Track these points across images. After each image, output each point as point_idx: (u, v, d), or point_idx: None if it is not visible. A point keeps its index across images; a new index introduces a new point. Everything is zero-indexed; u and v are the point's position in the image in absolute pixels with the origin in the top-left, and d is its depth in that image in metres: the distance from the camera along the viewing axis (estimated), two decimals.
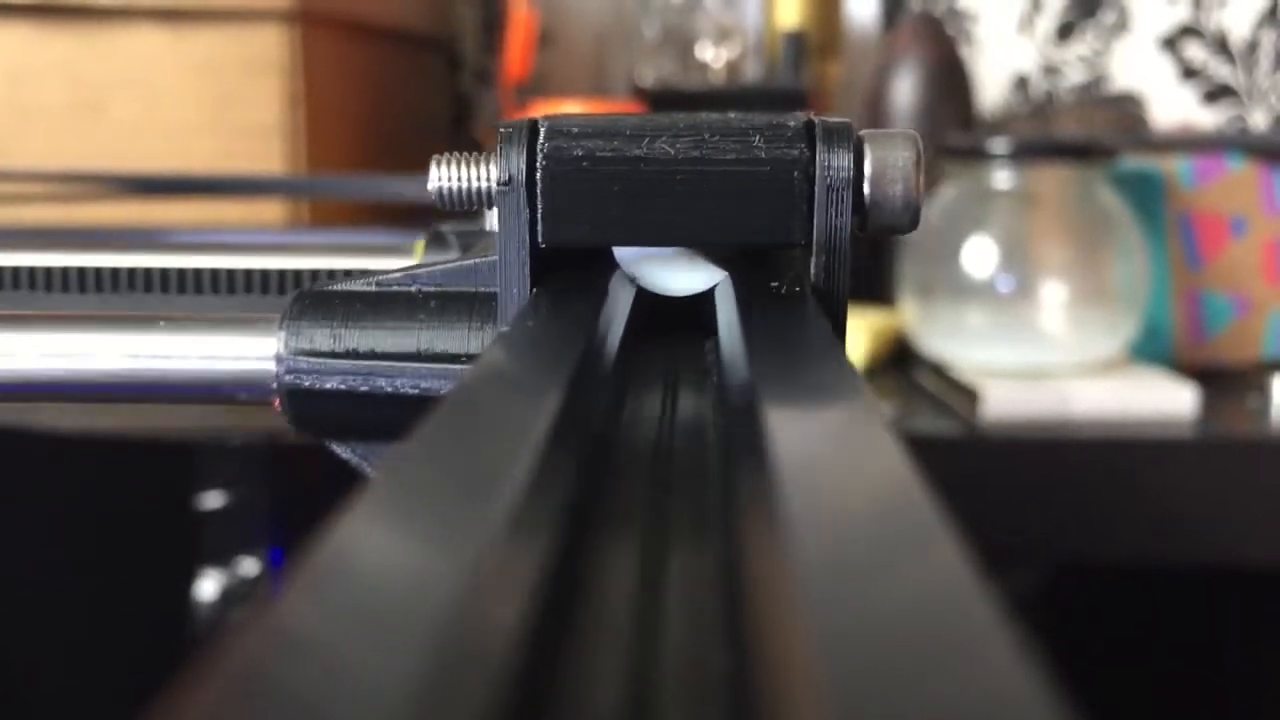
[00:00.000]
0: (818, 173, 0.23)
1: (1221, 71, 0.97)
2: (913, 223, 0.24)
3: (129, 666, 0.69)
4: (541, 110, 0.75)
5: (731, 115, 0.24)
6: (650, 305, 0.25)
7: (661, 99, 0.76)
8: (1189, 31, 0.97)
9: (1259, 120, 0.97)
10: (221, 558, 0.64)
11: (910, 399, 0.63)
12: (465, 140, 1.00)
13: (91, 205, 0.61)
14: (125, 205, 0.63)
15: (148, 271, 0.35)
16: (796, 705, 0.09)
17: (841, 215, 0.23)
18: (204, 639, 0.64)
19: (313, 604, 0.10)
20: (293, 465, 0.65)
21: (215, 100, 0.67)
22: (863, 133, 0.23)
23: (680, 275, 0.25)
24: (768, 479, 0.12)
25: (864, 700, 0.08)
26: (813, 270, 0.23)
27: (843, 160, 0.23)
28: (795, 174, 0.23)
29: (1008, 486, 0.55)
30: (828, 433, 0.15)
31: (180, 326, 0.26)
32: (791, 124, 0.23)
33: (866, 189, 0.23)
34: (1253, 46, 0.96)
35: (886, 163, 0.23)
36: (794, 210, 0.23)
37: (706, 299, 0.24)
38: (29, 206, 0.62)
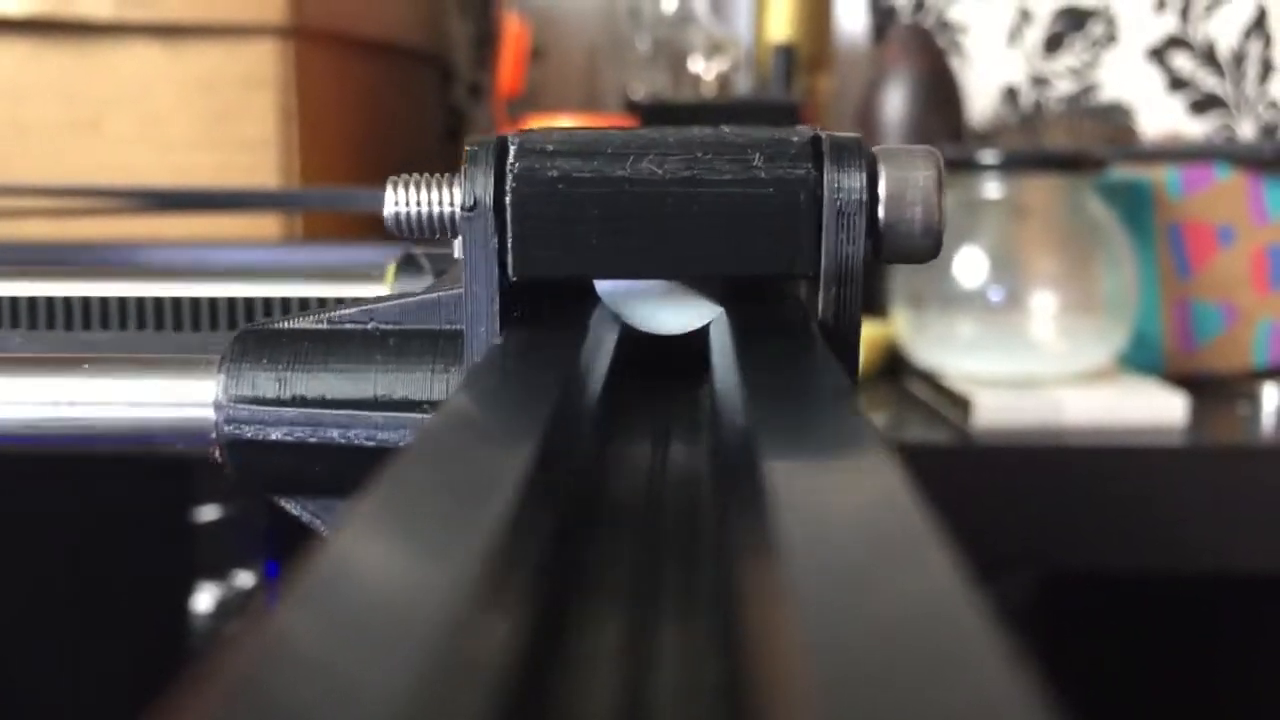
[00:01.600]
0: (826, 194, 0.20)
1: (1209, 82, 0.97)
2: (934, 250, 0.21)
3: (125, 678, 0.69)
4: (534, 124, 0.75)
5: (727, 130, 0.21)
6: (637, 345, 0.22)
7: (654, 112, 0.76)
8: (1177, 42, 0.97)
9: (1246, 130, 0.97)
10: (217, 570, 0.65)
11: (902, 408, 0.63)
12: (458, 154, 1.00)
13: (88, 220, 0.61)
14: (122, 220, 0.63)
15: (68, 302, 0.31)
16: (789, 712, 0.09)
17: (853, 242, 0.21)
18: (200, 651, 0.64)
19: (310, 617, 0.10)
20: None
21: (211, 115, 0.67)
22: (877, 149, 0.21)
23: (670, 311, 0.22)
24: (769, 548, 0.11)
25: (854, 709, 0.08)
26: (820, 305, 0.21)
27: (854, 180, 0.20)
28: (801, 196, 0.20)
29: (999, 494, 0.56)
30: (835, 494, 0.13)
31: (107, 369, 0.23)
32: (795, 139, 0.21)
33: (881, 212, 0.21)
34: (1240, 57, 0.97)
35: (905, 183, 0.21)
36: (800, 237, 0.20)
37: (700, 338, 0.22)
38: (26, 222, 0.62)
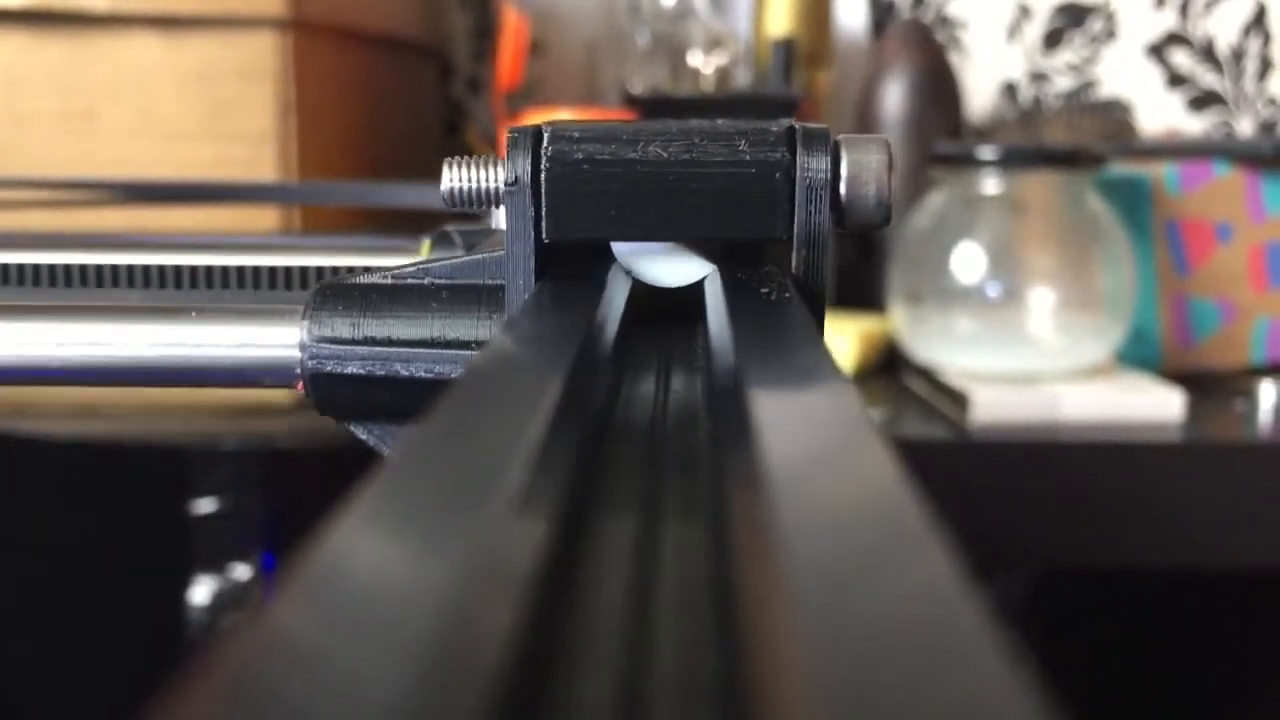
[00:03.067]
0: (798, 174, 0.25)
1: (1208, 79, 0.97)
2: (885, 219, 0.26)
3: (122, 672, 0.69)
4: (534, 118, 0.75)
5: (720, 122, 0.25)
6: (645, 295, 0.27)
7: (652, 106, 0.76)
8: (1176, 39, 0.97)
9: (1245, 127, 0.97)
10: (214, 563, 0.65)
11: (900, 403, 0.63)
12: (457, 147, 1.00)
13: (85, 212, 0.61)
14: (119, 212, 0.63)
15: (177, 269, 0.38)
16: (785, 708, 0.09)
17: (820, 213, 0.25)
18: (197, 644, 0.64)
19: (308, 610, 0.10)
20: (286, 470, 0.65)
21: (208, 107, 0.67)
22: (839, 138, 0.25)
23: (673, 268, 0.27)
24: (754, 463, 0.13)
25: (850, 704, 0.08)
26: (794, 263, 0.25)
27: (820, 163, 0.25)
28: (777, 175, 0.25)
29: (996, 490, 0.56)
30: (809, 416, 0.15)
31: (212, 317, 0.27)
32: (774, 130, 0.25)
33: (842, 189, 0.25)
34: (1239, 54, 0.97)
35: (860, 165, 0.25)
36: (777, 208, 0.25)
37: (697, 289, 0.26)
38: (23, 213, 0.62)
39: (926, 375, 0.64)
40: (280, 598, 0.10)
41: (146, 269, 0.38)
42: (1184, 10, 0.97)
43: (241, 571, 0.64)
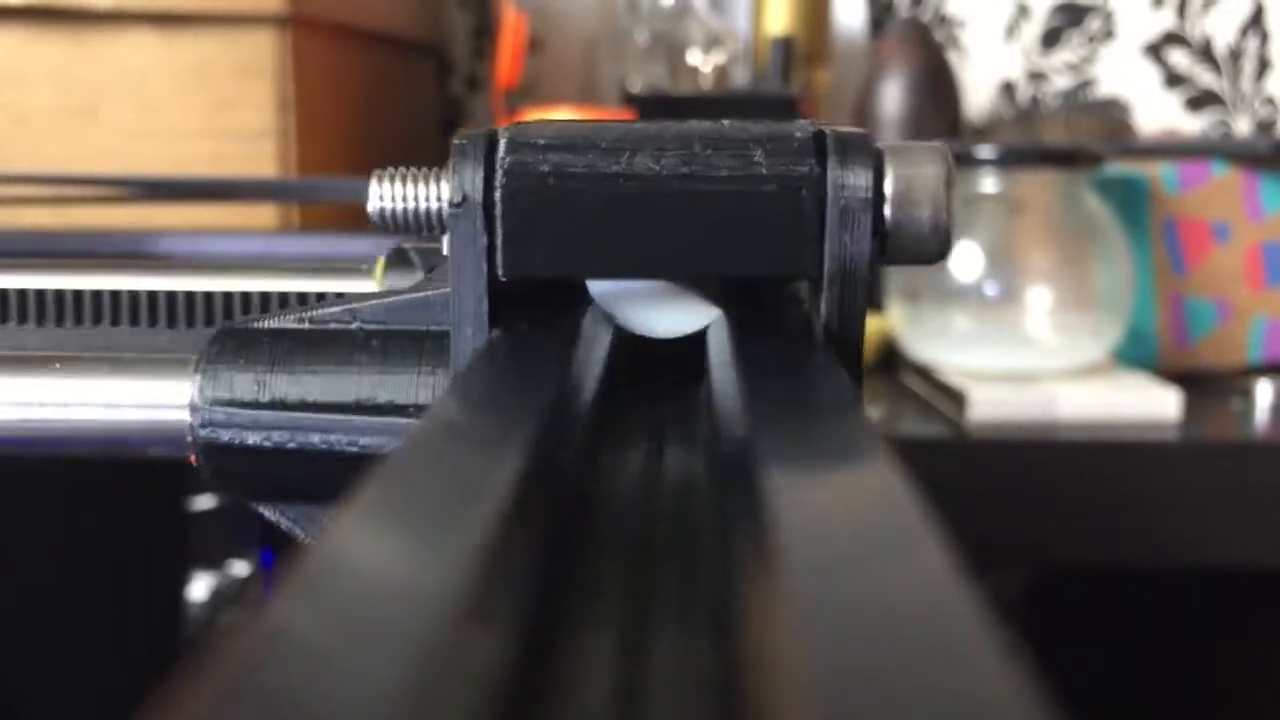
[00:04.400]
0: (830, 192, 0.19)
1: (1205, 78, 0.97)
2: (942, 251, 0.20)
3: (120, 668, 0.69)
4: (532, 116, 0.75)
5: (726, 124, 0.20)
6: (631, 349, 0.21)
7: (651, 105, 0.76)
8: (1174, 39, 0.97)
9: (1243, 127, 0.98)
10: (213, 559, 0.65)
11: (897, 402, 0.63)
12: None
13: (83, 209, 0.61)
14: (117, 209, 0.63)
15: (41, 295, 0.29)
16: None
17: (858, 242, 0.20)
18: (195, 640, 0.64)
19: (308, 607, 0.10)
20: None
21: (207, 104, 0.67)
22: (883, 145, 0.20)
23: (666, 314, 0.21)
24: (770, 564, 0.11)
25: (850, 706, 0.08)
26: (824, 307, 0.20)
27: (860, 178, 0.19)
28: (804, 193, 0.19)
29: (993, 489, 0.56)
30: (840, 504, 0.12)
31: (79, 368, 0.22)
32: (798, 134, 0.20)
33: (888, 211, 0.20)
34: (1236, 54, 0.97)
35: (911, 181, 0.20)
36: (802, 236, 0.20)
37: (697, 341, 0.21)
38: (21, 210, 0.62)
39: (924, 374, 0.64)
40: (279, 597, 0.10)
41: (3, 295, 0.28)
42: (1182, 10, 0.97)
43: (240, 568, 0.64)
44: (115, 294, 0.29)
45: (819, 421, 0.15)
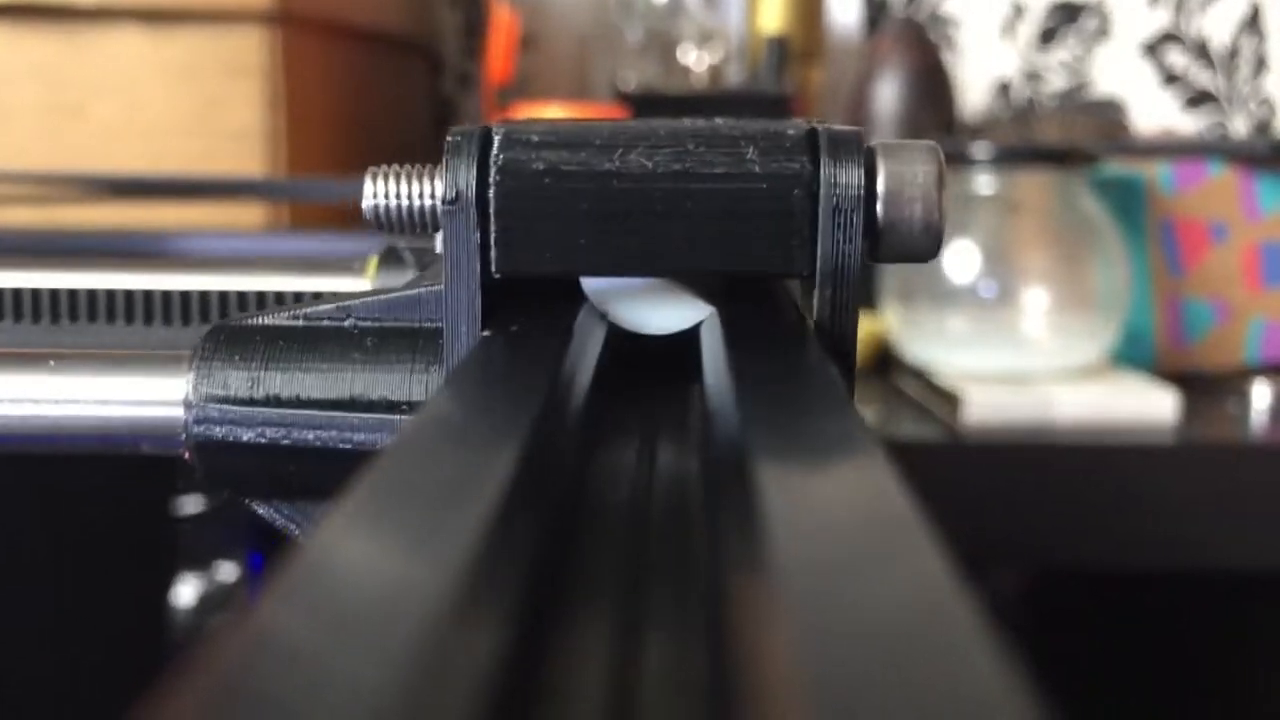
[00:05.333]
0: (823, 190, 0.20)
1: (1202, 78, 0.97)
2: (934, 250, 0.20)
3: (107, 671, 0.68)
4: (524, 114, 0.75)
5: (720, 122, 0.20)
6: (624, 346, 0.22)
7: (644, 102, 0.76)
8: (1170, 38, 0.97)
9: (1239, 126, 0.97)
10: (200, 562, 0.64)
11: (892, 404, 0.63)
12: None
13: (70, 207, 0.60)
14: (104, 208, 0.62)
15: (36, 294, 0.29)
16: None
17: (850, 240, 0.20)
18: (182, 644, 0.64)
19: (294, 610, 0.10)
20: None
21: (195, 102, 0.67)
22: (876, 144, 0.20)
23: (659, 311, 0.22)
24: (763, 565, 0.11)
25: (843, 707, 0.08)
26: (816, 305, 0.20)
27: (852, 176, 0.20)
28: (796, 191, 0.20)
29: (989, 491, 0.55)
30: (834, 503, 0.12)
31: (73, 365, 0.22)
32: (791, 132, 0.20)
33: (880, 209, 0.20)
34: (1233, 53, 0.97)
35: (904, 179, 0.20)
36: (794, 234, 0.20)
37: (691, 338, 0.21)
38: (7, 209, 0.61)
39: (919, 375, 0.63)
40: (266, 599, 0.10)
41: None
42: (1178, 9, 0.96)
43: (228, 571, 0.64)
44: (110, 292, 0.29)
45: (811, 419, 0.15)
